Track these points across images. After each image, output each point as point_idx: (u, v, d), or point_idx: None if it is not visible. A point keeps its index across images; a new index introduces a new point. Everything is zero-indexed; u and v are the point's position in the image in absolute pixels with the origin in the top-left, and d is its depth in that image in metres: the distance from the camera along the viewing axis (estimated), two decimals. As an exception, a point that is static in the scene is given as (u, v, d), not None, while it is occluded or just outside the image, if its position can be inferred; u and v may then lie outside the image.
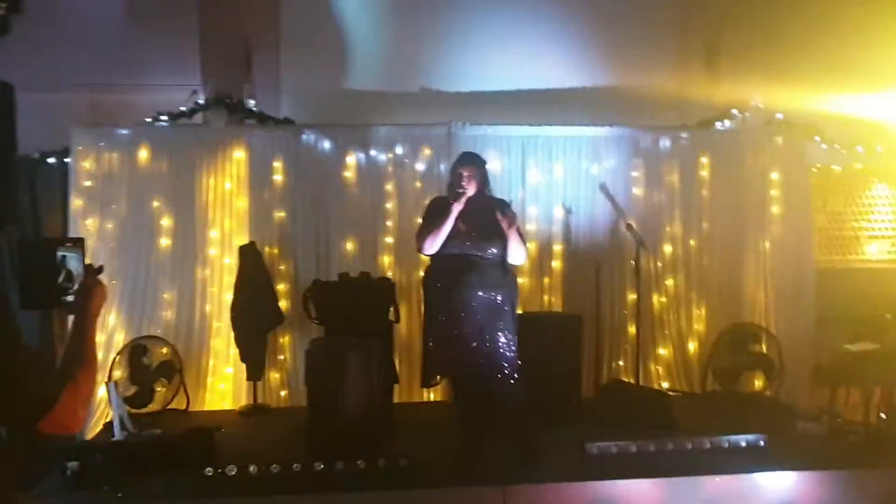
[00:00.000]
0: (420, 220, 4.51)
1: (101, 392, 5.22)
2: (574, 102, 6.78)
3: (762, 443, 4.53)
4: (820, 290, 6.11)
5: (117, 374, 5.51)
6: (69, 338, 2.21)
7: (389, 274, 5.87)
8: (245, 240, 5.79)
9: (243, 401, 5.78)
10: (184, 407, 5.67)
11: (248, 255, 5.69)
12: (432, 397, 5.90)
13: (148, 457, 4.25)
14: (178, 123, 5.97)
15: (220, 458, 4.33)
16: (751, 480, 4.11)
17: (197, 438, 4.55)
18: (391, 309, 5.53)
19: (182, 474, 4.12)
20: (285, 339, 5.88)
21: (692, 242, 6.22)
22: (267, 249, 5.84)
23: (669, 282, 6.18)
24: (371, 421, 4.62)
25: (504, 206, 4.41)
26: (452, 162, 4.54)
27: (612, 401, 5.34)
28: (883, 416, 4.94)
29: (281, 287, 5.86)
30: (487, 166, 4.51)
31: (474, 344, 4.17)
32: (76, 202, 5.62)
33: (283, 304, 5.83)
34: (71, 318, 2.24)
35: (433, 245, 4.25)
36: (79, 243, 2.31)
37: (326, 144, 5.95)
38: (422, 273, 4.64)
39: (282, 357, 5.89)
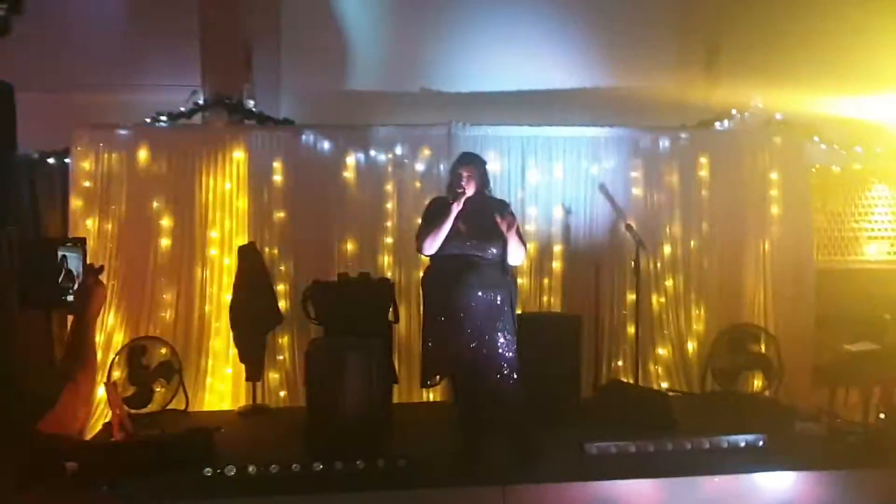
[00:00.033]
0: (419, 221, 4.51)
1: (101, 392, 5.21)
2: (574, 103, 6.78)
3: (761, 443, 4.54)
4: (819, 291, 6.12)
5: (116, 374, 5.51)
6: (69, 338, 2.21)
7: (389, 274, 5.87)
8: (244, 240, 5.79)
9: (242, 401, 5.78)
10: (183, 407, 5.67)
11: (248, 255, 5.69)
12: (431, 397, 5.90)
13: (147, 457, 4.25)
14: (177, 124, 5.98)
15: (219, 458, 4.33)
16: (750, 480, 4.11)
17: (196, 439, 4.55)
18: (390, 309, 5.53)
19: (181, 475, 4.12)
20: (284, 340, 5.88)
21: (692, 243, 6.21)
22: (266, 250, 5.84)
23: (669, 282, 6.18)
24: (370, 421, 4.62)
25: (503, 206, 4.42)
26: (452, 162, 4.54)
27: (612, 401, 5.34)
28: (882, 416, 4.94)
29: (280, 287, 5.86)
30: (487, 167, 4.51)
31: (474, 344, 4.18)
32: (76, 202, 5.62)
33: (283, 304, 5.83)
34: (70, 318, 2.24)
35: (433, 245, 4.25)
36: (79, 243, 2.31)
37: (326, 145, 5.95)
38: (421, 273, 4.63)
39: (281, 357, 5.89)
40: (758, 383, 6.07)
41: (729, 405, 5.72)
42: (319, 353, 4.80)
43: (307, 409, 4.78)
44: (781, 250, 6.17)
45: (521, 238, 4.34)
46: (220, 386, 5.84)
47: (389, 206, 5.97)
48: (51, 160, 5.78)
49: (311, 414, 4.71)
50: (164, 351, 5.68)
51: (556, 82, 7.00)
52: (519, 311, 4.71)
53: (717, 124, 6.54)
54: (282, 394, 5.88)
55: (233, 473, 4.10)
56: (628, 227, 5.76)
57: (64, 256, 2.23)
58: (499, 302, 4.24)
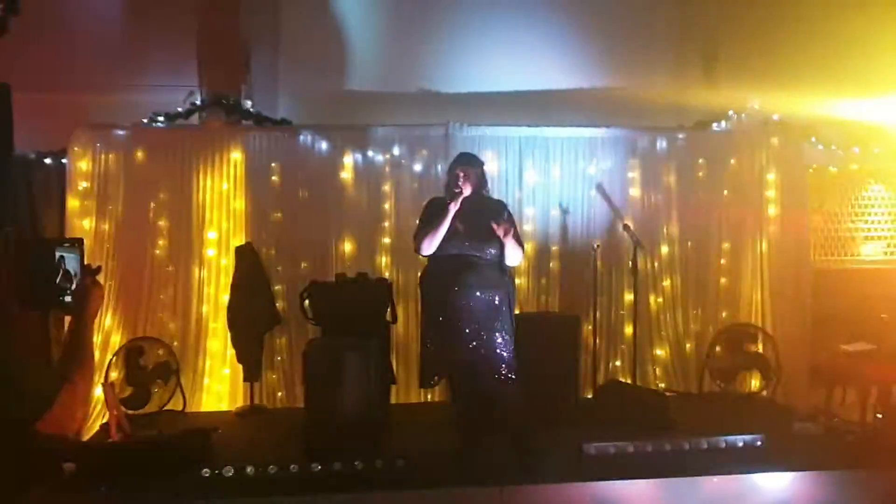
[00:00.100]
0: (417, 221, 4.51)
1: (98, 393, 5.20)
2: (571, 103, 6.78)
3: (759, 443, 4.54)
4: (816, 291, 6.12)
5: (114, 374, 5.50)
6: (66, 338, 2.20)
7: (387, 274, 5.86)
8: (242, 241, 5.78)
9: (240, 402, 5.77)
10: (180, 408, 5.66)
11: (246, 255, 5.68)
12: (430, 398, 5.90)
13: (145, 458, 4.24)
14: (175, 124, 5.97)
15: (217, 459, 4.33)
16: (748, 480, 4.12)
17: (194, 439, 4.54)
18: (388, 309, 5.53)
19: (179, 476, 4.11)
20: (282, 340, 5.88)
21: (689, 243, 6.22)
22: (264, 250, 5.83)
23: (666, 282, 6.19)
24: (368, 421, 4.62)
25: (501, 207, 4.43)
26: (450, 163, 4.54)
27: (610, 401, 5.34)
28: (879, 415, 4.94)
29: (278, 288, 5.85)
30: (485, 167, 4.51)
31: (472, 344, 4.18)
32: (73, 203, 5.61)
33: (281, 304, 5.83)
34: (68, 318, 2.24)
35: (431, 245, 4.25)
36: (77, 244, 2.30)
37: (324, 145, 5.95)
38: (419, 274, 4.63)
39: (279, 358, 5.88)
40: (755, 383, 6.08)
41: (727, 405, 5.72)
42: (317, 354, 4.80)
43: (305, 410, 4.78)
44: (779, 250, 6.17)
45: (519, 240, 4.34)
46: (218, 386, 5.84)
47: (387, 206, 5.97)
48: (48, 160, 5.77)
49: (309, 414, 4.71)
50: (161, 352, 5.67)
51: (553, 83, 6.99)
52: (517, 311, 4.71)
53: (715, 125, 6.54)
54: (280, 394, 5.88)
55: (231, 474, 4.10)
56: (626, 227, 5.77)
57: (61, 257, 2.23)
58: (497, 302, 4.24)
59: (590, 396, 5.71)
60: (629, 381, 5.83)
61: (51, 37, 5.94)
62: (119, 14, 6.42)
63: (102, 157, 5.70)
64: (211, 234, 5.84)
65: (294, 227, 5.89)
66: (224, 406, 5.80)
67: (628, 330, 5.99)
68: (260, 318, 5.68)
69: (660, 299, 6.18)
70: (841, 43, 6.56)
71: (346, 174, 5.96)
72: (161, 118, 5.92)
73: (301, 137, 5.92)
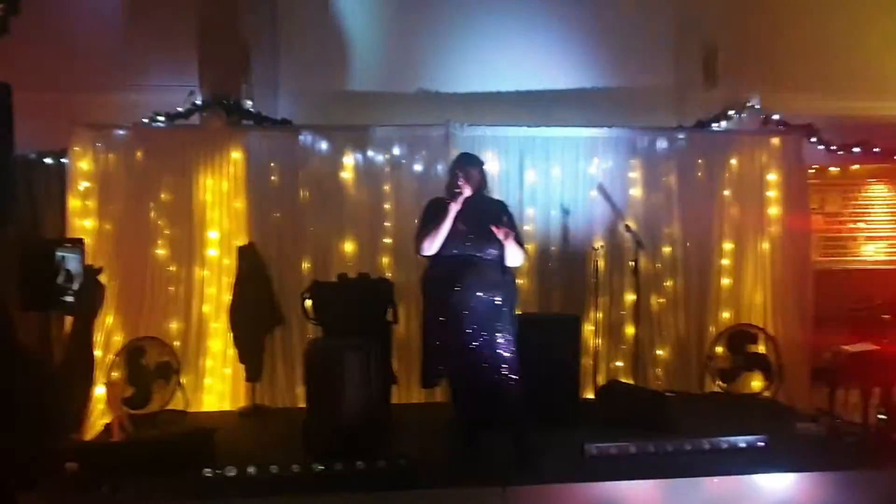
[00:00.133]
0: (418, 222, 4.50)
1: (100, 392, 5.20)
2: (572, 103, 6.78)
3: (761, 443, 4.54)
4: (818, 291, 6.12)
5: (115, 374, 5.49)
6: (68, 339, 2.20)
7: (388, 275, 5.86)
8: (243, 240, 5.78)
9: (242, 402, 5.78)
10: (182, 408, 5.66)
11: (247, 255, 5.68)
12: (431, 398, 5.89)
13: (147, 458, 4.24)
14: (175, 124, 5.96)
15: (218, 459, 4.32)
16: (750, 481, 4.11)
17: (196, 439, 4.54)
18: (389, 310, 5.52)
19: (181, 475, 4.11)
20: (284, 340, 5.87)
21: (690, 243, 6.21)
22: (265, 250, 5.82)
23: (668, 282, 6.18)
24: (370, 422, 4.62)
25: (501, 207, 4.42)
26: (450, 163, 4.53)
27: (611, 402, 5.34)
28: (881, 416, 4.94)
29: (279, 288, 5.84)
30: (485, 167, 4.51)
31: (473, 344, 4.17)
32: (74, 203, 5.59)
33: (282, 304, 5.82)
34: (69, 319, 2.24)
35: (432, 246, 4.25)
36: (78, 244, 2.30)
37: (324, 145, 5.94)
38: (420, 274, 4.62)
39: (280, 358, 5.87)
40: (757, 384, 6.07)
41: (728, 406, 5.72)
42: (319, 354, 4.80)
43: (306, 410, 4.77)
44: (780, 251, 6.16)
45: (520, 242, 4.34)
46: (220, 386, 5.84)
47: (388, 206, 5.97)
48: (48, 160, 5.77)
49: (311, 414, 4.71)
50: (163, 351, 5.66)
51: (554, 83, 6.99)
52: (518, 312, 4.70)
53: (715, 125, 6.54)
54: (281, 394, 5.87)
55: (232, 474, 4.09)
56: (627, 227, 5.77)
57: (62, 257, 2.22)
58: (498, 302, 4.24)
59: (591, 397, 5.71)
60: (631, 382, 5.82)
61: (51, 37, 5.95)
62: (119, 14, 6.41)
63: (103, 156, 5.70)
64: (212, 234, 5.84)
65: (295, 228, 5.89)
66: (226, 406, 5.80)
67: (630, 330, 5.98)
68: (261, 319, 5.68)
69: (661, 300, 6.17)
70: (841, 40, 6.56)
71: (347, 174, 5.96)
72: (161, 118, 5.93)
73: (301, 137, 5.91)
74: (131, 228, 5.70)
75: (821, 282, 6.13)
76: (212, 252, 5.84)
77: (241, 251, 5.69)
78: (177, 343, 5.73)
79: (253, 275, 5.66)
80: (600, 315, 5.95)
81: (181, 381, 5.67)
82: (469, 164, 4.41)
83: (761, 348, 6.06)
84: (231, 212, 5.87)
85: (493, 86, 6.94)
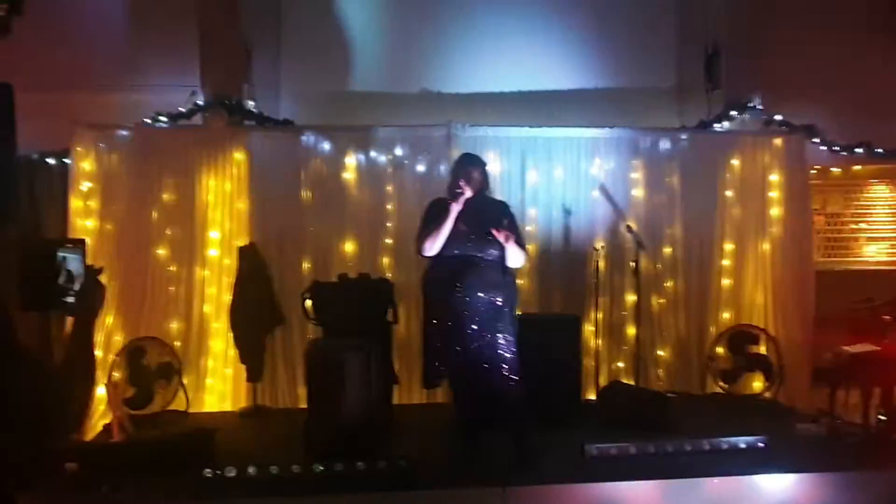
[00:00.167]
0: (419, 222, 4.51)
1: (101, 393, 5.20)
2: (574, 104, 6.78)
3: (761, 444, 4.53)
4: (819, 292, 6.11)
5: (116, 375, 5.50)
6: (69, 339, 2.20)
7: (389, 275, 5.85)
8: (245, 241, 5.78)
9: (243, 402, 5.78)
10: (183, 408, 5.66)
11: (248, 256, 5.68)
12: (432, 398, 5.89)
13: (147, 458, 4.24)
14: (177, 124, 5.97)
15: (219, 459, 4.32)
16: (750, 482, 4.11)
17: (196, 440, 4.55)
18: (390, 310, 5.53)
19: (181, 476, 4.11)
20: (285, 340, 5.87)
21: (691, 244, 6.20)
22: (266, 250, 5.83)
23: (669, 283, 6.18)
24: (370, 422, 4.62)
25: (503, 207, 4.42)
26: (452, 163, 4.53)
27: (612, 402, 5.34)
28: (882, 417, 4.94)
29: (280, 288, 5.85)
30: (487, 167, 4.51)
31: (474, 345, 4.17)
32: (75, 203, 5.60)
33: (282, 304, 5.82)
34: (70, 319, 2.24)
35: (433, 246, 4.25)
36: (79, 244, 2.31)
37: (326, 146, 5.94)
38: (421, 274, 4.62)
39: (281, 358, 5.88)
40: (758, 384, 6.06)
41: (729, 406, 5.72)
42: (319, 354, 4.80)
43: (307, 410, 4.78)
44: (781, 251, 6.15)
45: (521, 244, 4.34)
46: (221, 387, 5.84)
47: (389, 206, 5.97)
48: (50, 160, 5.77)
49: (312, 415, 4.71)
50: (164, 352, 5.67)
51: (555, 83, 7.00)
52: (519, 312, 4.70)
53: (717, 125, 6.54)
54: (282, 395, 5.88)
55: (233, 474, 4.09)
56: (628, 227, 5.76)
57: (64, 258, 2.23)
58: (499, 303, 4.24)
59: (592, 397, 5.71)
60: (631, 382, 5.82)
61: (54, 37, 5.95)
62: (121, 14, 6.42)
63: (105, 157, 5.70)
64: (213, 234, 5.84)
65: (296, 228, 5.89)
66: (226, 406, 5.80)
67: (630, 331, 5.98)
68: (262, 319, 5.68)
69: (662, 300, 6.17)
70: (840, 39, 6.56)
71: (349, 175, 5.96)
72: (163, 118, 5.93)
73: (303, 138, 5.91)
74: (133, 229, 5.70)
75: (822, 282, 6.13)
76: (212, 252, 5.84)
77: (242, 251, 5.69)
78: (177, 343, 5.73)
79: (254, 275, 5.66)
80: (601, 315, 5.95)
81: (182, 381, 5.67)
82: (471, 164, 4.41)
83: (762, 349, 6.06)
84: (233, 212, 5.87)
85: (496, 86, 6.95)
